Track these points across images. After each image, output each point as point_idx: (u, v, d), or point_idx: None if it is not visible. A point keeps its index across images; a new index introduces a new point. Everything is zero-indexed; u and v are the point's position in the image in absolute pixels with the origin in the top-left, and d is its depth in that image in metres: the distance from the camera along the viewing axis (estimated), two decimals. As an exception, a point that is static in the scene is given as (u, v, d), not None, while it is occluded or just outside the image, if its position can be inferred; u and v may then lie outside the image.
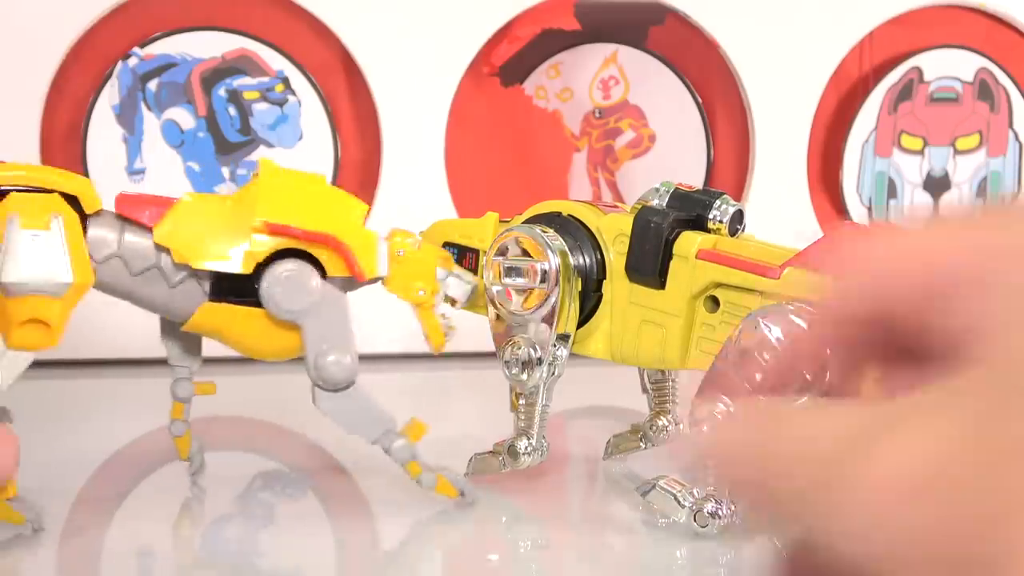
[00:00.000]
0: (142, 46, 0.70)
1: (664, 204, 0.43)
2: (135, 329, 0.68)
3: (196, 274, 0.41)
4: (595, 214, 0.44)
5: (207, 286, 0.41)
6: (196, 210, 0.41)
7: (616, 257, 0.43)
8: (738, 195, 0.77)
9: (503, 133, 0.76)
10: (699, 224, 0.43)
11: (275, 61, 0.71)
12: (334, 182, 0.72)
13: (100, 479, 0.48)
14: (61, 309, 0.39)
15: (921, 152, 0.80)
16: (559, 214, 0.45)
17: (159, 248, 0.40)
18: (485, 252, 0.45)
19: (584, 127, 0.77)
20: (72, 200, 0.40)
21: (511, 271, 0.43)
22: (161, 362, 0.70)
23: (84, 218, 0.40)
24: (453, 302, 0.45)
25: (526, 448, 0.46)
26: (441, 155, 0.72)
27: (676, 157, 0.77)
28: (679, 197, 0.43)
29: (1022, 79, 0.80)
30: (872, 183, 0.79)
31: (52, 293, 0.39)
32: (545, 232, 0.43)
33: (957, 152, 0.80)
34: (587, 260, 0.44)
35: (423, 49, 0.71)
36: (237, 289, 0.41)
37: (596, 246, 0.44)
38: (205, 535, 0.42)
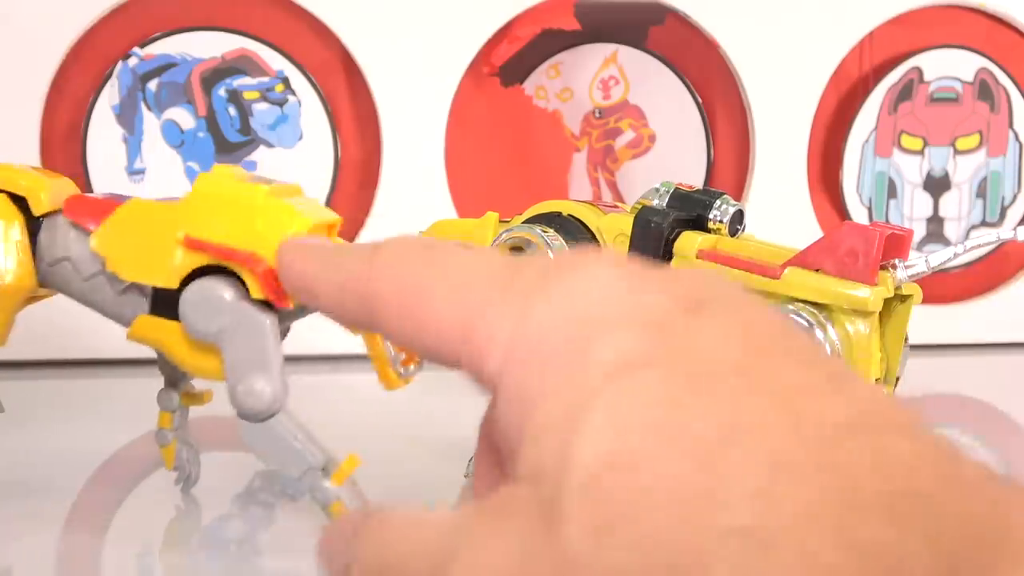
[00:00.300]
0: (142, 46, 0.70)
1: (664, 204, 0.43)
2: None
3: (138, 284, 0.39)
4: (595, 214, 0.44)
5: (148, 297, 0.39)
6: (136, 217, 0.39)
7: None
8: (738, 195, 0.77)
9: (503, 133, 0.76)
10: (699, 224, 0.43)
11: (275, 61, 0.71)
12: (334, 182, 0.72)
13: (99, 479, 0.48)
14: None
15: (921, 152, 0.80)
16: (559, 214, 0.44)
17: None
18: None
19: (584, 127, 0.77)
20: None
21: None
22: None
23: (41, 218, 0.40)
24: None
25: None
26: (441, 155, 0.72)
27: (676, 157, 0.77)
28: (679, 197, 0.43)
29: (1022, 79, 0.80)
30: (872, 183, 0.79)
31: None
32: (546, 232, 0.43)
33: (957, 152, 0.80)
34: None
35: (423, 49, 0.71)
36: (174, 303, 0.38)
37: (596, 246, 0.44)
38: (205, 535, 0.42)
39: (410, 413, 0.59)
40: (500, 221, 0.46)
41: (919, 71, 0.79)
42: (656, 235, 0.42)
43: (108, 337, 0.67)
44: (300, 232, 0.37)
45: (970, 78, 0.79)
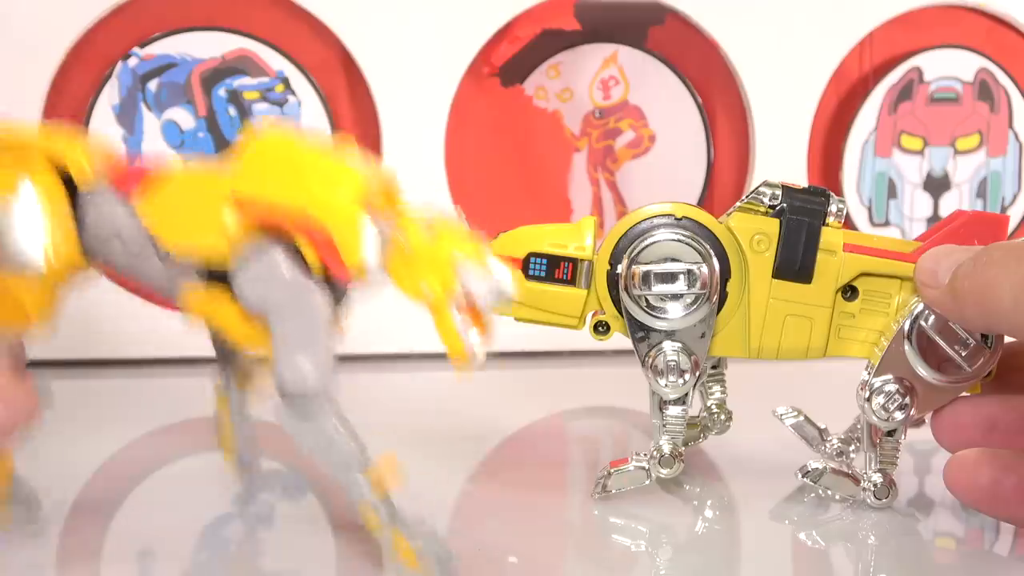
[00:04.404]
0: (142, 46, 0.70)
1: (779, 203, 0.44)
2: (137, 329, 0.69)
3: None
4: (708, 215, 0.44)
5: (197, 267, 0.37)
6: (182, 183, 0.37)
7: (753, 256, 0.44)
8: (738, 195, 0.77)
9: (503, 133, 0.76)
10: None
11: (275, 61, 0.71)
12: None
13: (100, 479, 0.48)
14: (37, 290, 0.37)
15: (921, 152, 0.80)
16: (673, 216, 0.44)
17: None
18: (584, 260, 0.45)
19: (584, 127, 0.77)
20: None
21: (663, 277, 0.43)
22: (161, 362, 0.70)
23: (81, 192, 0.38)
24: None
25: (673, 451, 0.45)
26: (441, 155, 0.72)
27: (676, 157, 0.77)
28: (795, 195, 0.44)
29: (1022, 79, 0.80)
30: (872, 183, 0.79)
31: (19, 272, 0.37)
32: (693, 237, 0.43)
33: (957, 152, 0.80)
34: (718, 262, 0.44)
35: (423, 49, 0.71)
36: (226, 273, 0.36)
37: (718, 244, 0.44)
38: (205, 535, 0.42)
39: (411, 414, 0.59)
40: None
41: (919, 71, 0.79)
42: (811, 233, 0.43)
43: (110, 337, 0.68)
44: (354, 192, 0.35)
45: (970, 78, 0.79)
